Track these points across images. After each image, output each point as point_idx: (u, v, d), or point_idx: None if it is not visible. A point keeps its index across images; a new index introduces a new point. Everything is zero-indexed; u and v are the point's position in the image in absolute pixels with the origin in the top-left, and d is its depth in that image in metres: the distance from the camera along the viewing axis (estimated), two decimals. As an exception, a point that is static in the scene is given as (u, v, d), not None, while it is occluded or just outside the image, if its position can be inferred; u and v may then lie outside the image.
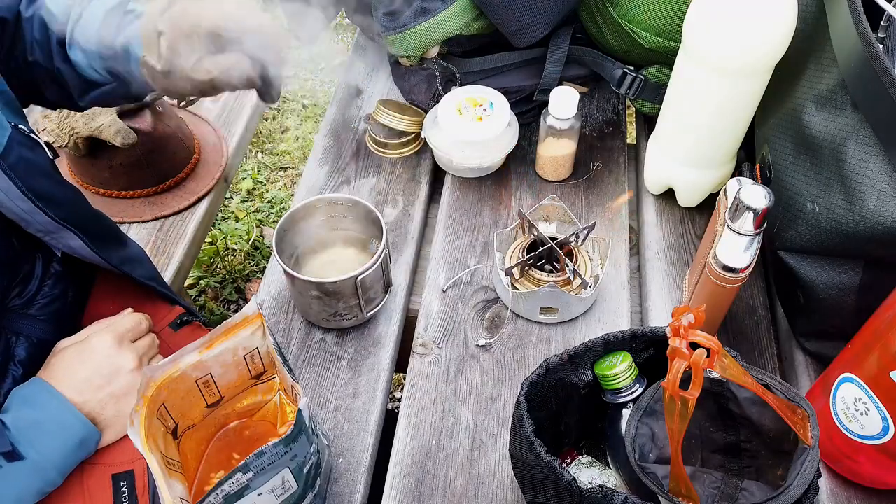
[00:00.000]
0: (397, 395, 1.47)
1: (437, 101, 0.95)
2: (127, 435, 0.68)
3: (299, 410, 0.52)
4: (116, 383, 0.69)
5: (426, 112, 0.97)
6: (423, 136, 0.95)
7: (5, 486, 0.61)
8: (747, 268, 0.67)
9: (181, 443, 0.64)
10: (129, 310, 0.77)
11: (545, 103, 0.89)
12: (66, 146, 1.02)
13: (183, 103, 0.72)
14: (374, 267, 0.73)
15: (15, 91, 0.77)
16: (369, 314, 0.80)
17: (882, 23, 0.64)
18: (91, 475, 0.68)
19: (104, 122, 1.00)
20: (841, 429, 0.64)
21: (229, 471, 0.50)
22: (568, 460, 0.69)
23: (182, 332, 0.83)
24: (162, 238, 1.07)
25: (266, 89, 0.66)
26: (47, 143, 0.72)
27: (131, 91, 0.75)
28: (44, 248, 0.77)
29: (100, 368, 0.69)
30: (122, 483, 0.68)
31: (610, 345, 0.61)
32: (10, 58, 0.76)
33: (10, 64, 0.76)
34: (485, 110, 0.92)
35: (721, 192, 0.71)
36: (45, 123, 1.01)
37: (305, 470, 0.56)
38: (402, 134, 0.98)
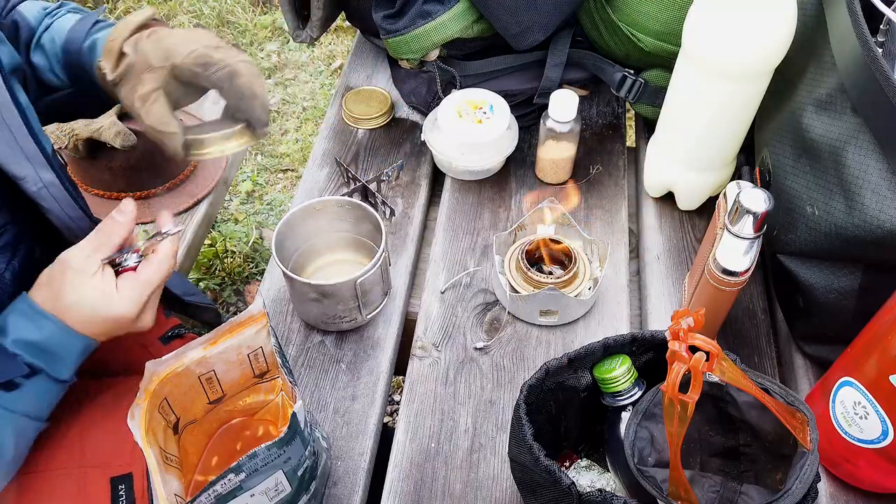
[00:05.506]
0: (396, 397, 1.47)
1: (437, 104, 0.95)
2: (127, 435, 0.68)
3: (294, 414, 0.52)
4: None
5: (426, 114, 0.98)
6: (422, 139, 0.96)
7: (31, 398, 0.60)
8: (747, 271, 0.67)
9: (182, 437, 0.64)
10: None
11: (545, 106, 0.89)
12: (65, 147, 1.02)
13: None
14: (374, 269, 0.73)
15: None
16: (368, 317, 0.80)
17: (881, 27, 0.64)
18: (89, 477, 0.67)
19: (104, 123, 1.00)
20: (840, 433, 0.64)
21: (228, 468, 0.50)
22: (567, 464, 0.69)
23: (171, 346, 0.83)
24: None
25: (253, 126, 0.66)
26: None
27: (88, 100, 0.74)
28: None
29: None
30: (120, 486, 0.68)
31: (609, 348, 0.61)
32: None
33: None
34: (484, 113, 0.92)
35: (721, 196, 0.71)
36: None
37: (300, 473, 0.56)
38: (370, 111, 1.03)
